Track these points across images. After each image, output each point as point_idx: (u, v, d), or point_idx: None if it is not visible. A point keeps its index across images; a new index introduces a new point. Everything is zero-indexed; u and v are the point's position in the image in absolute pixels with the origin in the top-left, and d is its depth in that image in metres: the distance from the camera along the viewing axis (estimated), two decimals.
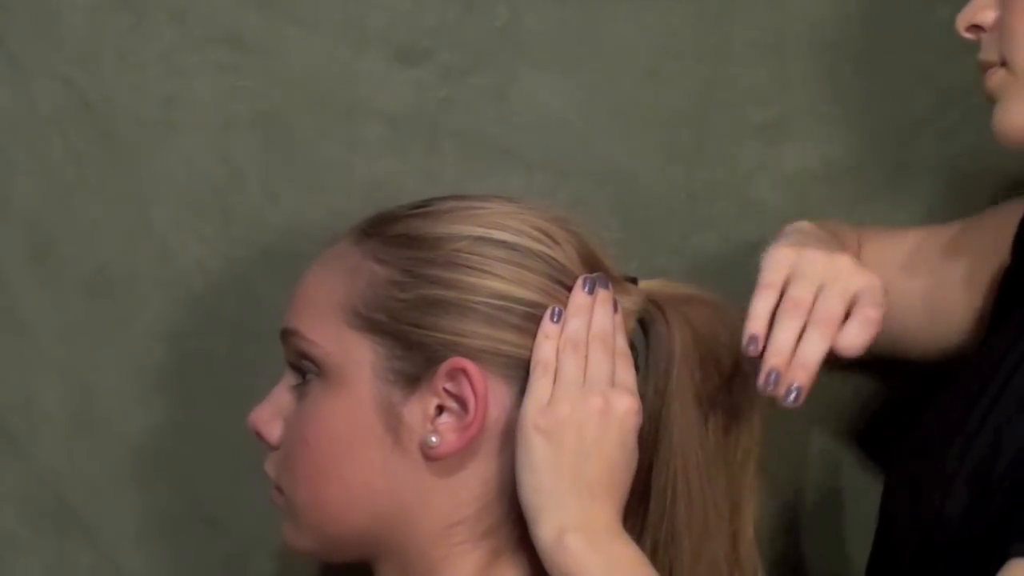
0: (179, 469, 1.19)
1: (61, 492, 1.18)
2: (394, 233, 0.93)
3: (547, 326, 0.91)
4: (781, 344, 0.92)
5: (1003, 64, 0.97)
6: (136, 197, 1.17)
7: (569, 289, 0.92)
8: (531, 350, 0.90)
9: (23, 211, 1.17)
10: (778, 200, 1.22)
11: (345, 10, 1.17)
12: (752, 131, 1.22)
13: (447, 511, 0.92)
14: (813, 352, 0.91)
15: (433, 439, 0.90)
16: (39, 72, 1.15)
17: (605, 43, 1.20)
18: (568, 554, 0.86)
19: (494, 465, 0.91)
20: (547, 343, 0.90)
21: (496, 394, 0.91)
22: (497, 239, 0.92)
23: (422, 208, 0.95)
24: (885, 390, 1.24)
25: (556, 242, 0.93)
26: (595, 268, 0.94)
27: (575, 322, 0.91)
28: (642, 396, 0.92)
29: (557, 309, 0.91)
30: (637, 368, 0.94)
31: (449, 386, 0.90)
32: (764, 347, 0.92)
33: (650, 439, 0.93)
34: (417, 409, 0.91)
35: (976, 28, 0.99)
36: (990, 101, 0.98)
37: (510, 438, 0.90)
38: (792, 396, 0.91)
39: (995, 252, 1.07)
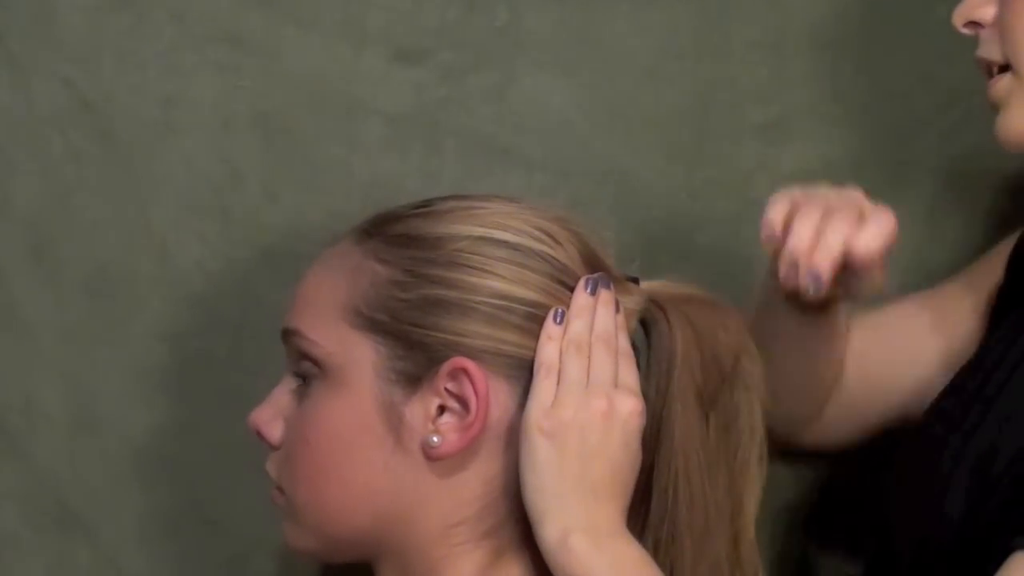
0: (179, 469, 1.19)
1: (61, 492, 1.18)
2: (395, 233, 0.93)
3: (550, 327, 0.91)
4: (802, 233, 0.91)
5: (1006, 68, 0.96)
6: (136, 197, 1.17)
7: (570, 289, 0.92)
8: (533, 350, 0.90)
9: (23, 211, 1.16)
10: None
11: (345, 10, 1.17)
12: (752, 131, 1.22)
13: (448, 511, 0.92)
14: (835, 237, 0.91)
15: (434, 439, 0.90)
16: (39, 72, 1.15)
17: (605, 43, 1.20)
18: (572, 555, 0.86)
19: (496, 465, 0.91)
20: (550, 344, 0.90)
21: (498, 394, 0.91)
22: (498, 239, 0.92)
23: (423, 208, 0.95)
24: None
25: (557, 242, 0.93)
26: (596, 268, 0.94)
27: (578, 323, 0.91)
28: (644, 396, 0.92)
29: (560, 310, 0.91)
30: (639, 368, 0.94)
31: (451, 386, 0.90)
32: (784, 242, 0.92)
33: (651, 439, 0.93)
34: (418, 409, 0.91)
35: (973, 24, 0.98)
36: (994, 108, 0.98)
37: (512, 438, 0.90)
38: (813, 282, 0.90)
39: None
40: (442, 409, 0.91)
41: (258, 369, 1.02)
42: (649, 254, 1.20)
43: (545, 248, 0.93)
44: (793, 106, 1.23)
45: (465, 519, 0.92)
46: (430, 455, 0.91)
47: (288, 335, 0.95)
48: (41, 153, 1.16)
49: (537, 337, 0.91)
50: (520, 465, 0.89)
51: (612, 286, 0.93)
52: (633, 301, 0.95)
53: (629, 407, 0.90)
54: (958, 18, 0.99)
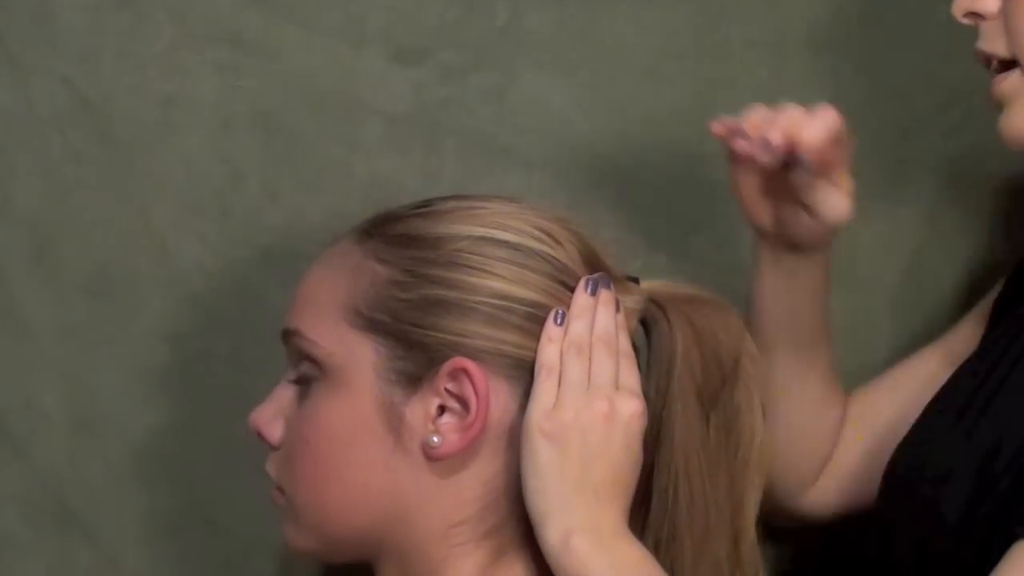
0: (179, 469, 1.19)
1: (61, 492, 1.18)
2: (395, 233, 0.93)
3: (551, 329, 0.91)
4: (752, 115, 0.96)
5: (1008, 63, 0.96)
6: (136, 197, 1.17)
7: (571, 289, 0.92)
8: (533, 350, 0.90)
9: (23, 211, 1.16)
10: None
11: (345, 10, 1.17)
12: None
13: (449, 511, 0.92)
14: (783, 118, 0.95)
15: (435, 439, 0.90)
16: (39, 72, 1.15)
17: (605, 43, 1.20)
18: (575, 556, 0.86)
19: (496, 465, 0.91)
20: (551, 346, 0.90)
21: (498, 394, 0.91)
22: (499, 239, 0.92)
23: (423, 208, 0.95)
24: None
25: (558, 242, 0.93)
26: (596, 268, 0.94)
27: (578, 324, 0.91)
28: (644, 396, 0.92)
29: (560, 311, 0.91)
30: (639, 368, 0.94)
31: (451, 386, 0.90)
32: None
33: (651, 440, 0.93)
34: (419, 409, 0.91)
35: (974, 15, 0.97)
36: (997, 106, 0.97)
37: (512, 438, 0.90)
38: (762, 148, 0.94)
39: None
40: (442, 409, 0.91)
41: (258, 369, 1.02)
42: (649, 254, 1.20)
43: (545, 248, 0.93)
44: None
45: (466, 519, 0.92)
46: (430, 455, 0.91)
47: (288, 335, 0.95)
48: (41, 153, 1.16)
49: (537, 337, 0.91)
50: (521, 467, 0.89)
51: (612, 286, 0.93)
52: (633, 301, 0.95)
53: (631, 409, 0.90)
54: (958, 8, 0.98)
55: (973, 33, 0.98)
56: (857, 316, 1.26)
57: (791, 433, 1.09)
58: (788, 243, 1.03)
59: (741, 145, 0.96)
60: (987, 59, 0.97)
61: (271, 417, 0.96)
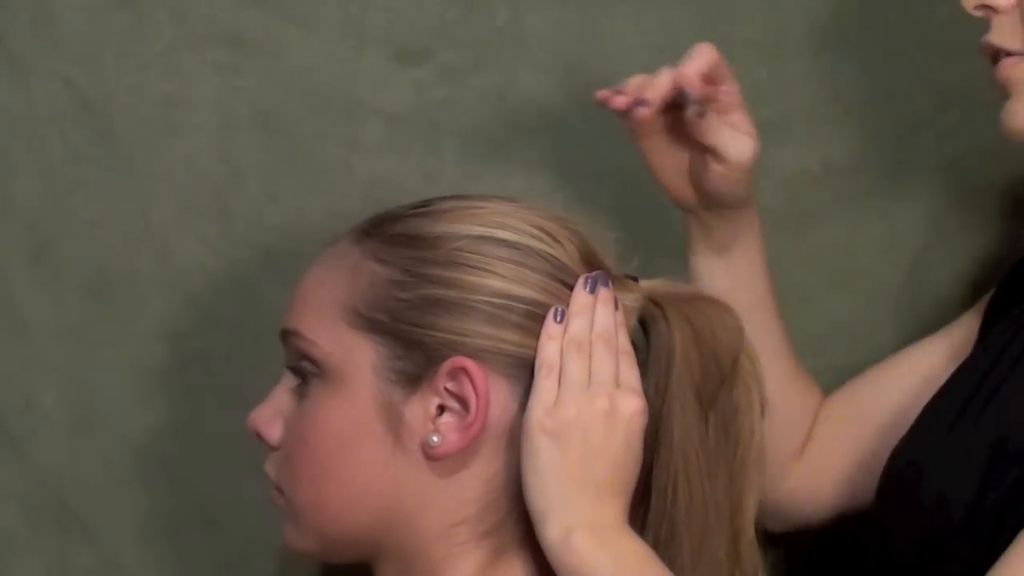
0: (179, 469, 1.19)
1: (61, 492, 1.18)
2: (394, 233, 0.93)
3: (550, 327, 0.91)
4: (633, 79, 1.01)
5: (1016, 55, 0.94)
6: (136, 197, 1.17)
7: (570, 288, 0.92)
8: (533, 349, 0.90)
9: (23, 211, 1.17)
10: (778, 200, 1.22)
11: (345, 10, 1.18)
12: None
13: (449, 511, 0.92)
14: (662, 76, 0.99)
15: (434, 439, 0.90)
16: (39, 72, 1.15)
17: (605, 43, 1.20)
18: (576, 553, 0.86)
19: (496, 464, 0.91)
20: (551, 344, 0.90)
21: (498, 393, 0.90)
22: (498, 238, 0.92)
23: (422, 208, 0.95)
24: None
25: (557, 241, 0.93)
26: (595, 267, 0.94)
27: (578, 322, 0.91)
28: (644, 395, 0.92)
29: (560, 309, 0.91)
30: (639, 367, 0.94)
31: (450, 385, 0.90)
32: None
33: (650, 438, 0.93)
34: (418, 409, 0.91)
35: (986, 8, 0.95)
36: (1003, 93, 0.95)
37: (512, 437, 0.90)
38: (638, 105, 0.99)
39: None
40: (442, 409, 0.91)
41: (258, 369, 1.02)
42: (649, 254, 1.20)
43: (544, 247, 0.93)
44: (793, 106, 1.23)
45: (466, 519, 0.92)
46: (430, 455, 0.90)
47: (287, 335, 0.95)
48: (41, 153, 1.16)
49: (537, 336, 0.90)
50: (522, 465, 0.89)
51: (611, 284, 0.93)
52: (632, 299, 0.95)
53: (631, 406, 0.89)
54: (969, 0, 0.96)
55: (973, 33, 0.98)
56: (857, 316, 1.26)
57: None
58: (708, 201, 1.05)
59: (620, 100, 0.99)
60: (995, 53, 0.95)
61: (270, 417, 0.96)
